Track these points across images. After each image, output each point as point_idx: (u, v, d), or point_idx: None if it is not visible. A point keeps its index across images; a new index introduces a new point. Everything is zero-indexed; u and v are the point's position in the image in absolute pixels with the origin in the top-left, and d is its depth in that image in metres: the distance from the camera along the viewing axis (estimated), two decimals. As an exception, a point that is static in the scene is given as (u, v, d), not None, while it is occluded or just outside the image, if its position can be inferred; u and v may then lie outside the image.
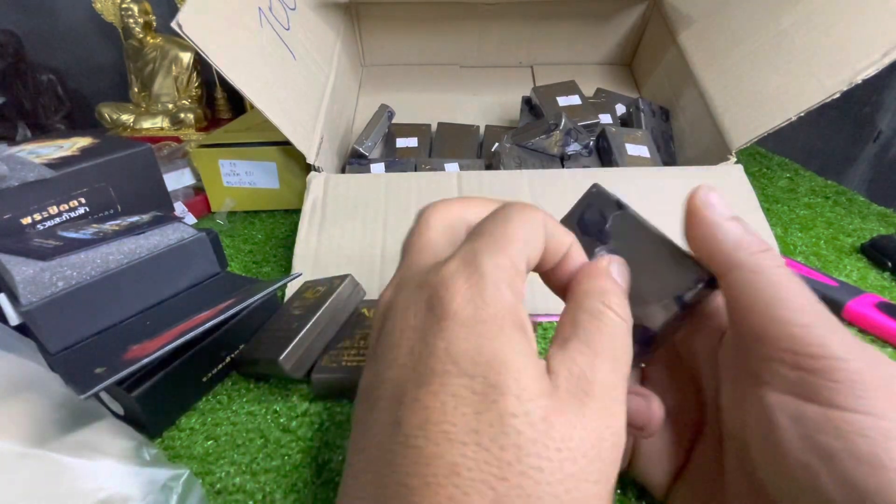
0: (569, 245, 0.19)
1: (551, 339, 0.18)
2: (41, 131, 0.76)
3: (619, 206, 0.22)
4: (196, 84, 0.75)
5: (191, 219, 0.53)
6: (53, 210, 0.38)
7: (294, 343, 0.30)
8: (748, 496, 0.19)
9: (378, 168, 0.50)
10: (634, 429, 0.20)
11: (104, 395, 0.30)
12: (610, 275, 0.19)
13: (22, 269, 0.30)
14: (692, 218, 0.20)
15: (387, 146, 0.57)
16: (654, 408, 0.20)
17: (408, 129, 0.58)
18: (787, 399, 0.17)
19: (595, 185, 0.23)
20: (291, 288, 0.39)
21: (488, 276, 0.15)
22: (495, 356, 0.14)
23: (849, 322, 0.36)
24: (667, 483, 0.23)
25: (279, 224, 0.53)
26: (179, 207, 0.52)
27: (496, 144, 0.51)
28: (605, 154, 0.50)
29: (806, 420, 0.16)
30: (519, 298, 0.16)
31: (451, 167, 0.50)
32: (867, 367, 0.16)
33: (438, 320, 0.15)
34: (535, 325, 0.37)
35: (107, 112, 0.72)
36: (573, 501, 0.13)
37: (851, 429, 0.15)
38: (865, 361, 0.16)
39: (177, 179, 0.55)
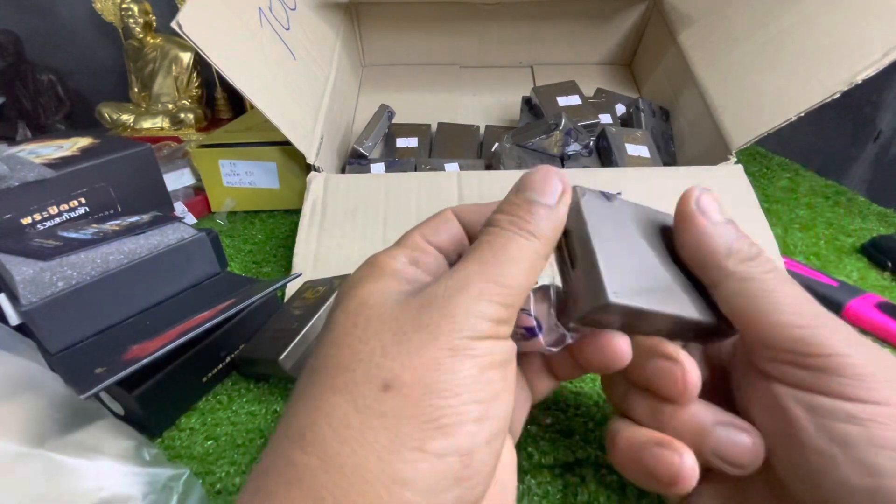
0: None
1: None
2: (41, 131, 0.76)
3: (607, 196, 0.21)
4: (196, 84, 0.75)
5: (191, 219, 0.53)
6: (53, 210, 0.38)
7: (294, 343, 0.30)
8: (768, 498, 0.19)
9: (378, 168, 0.50)
10: (735, 466, 0.19)
11: (104, 395, 0.30)
12: (525, 201, 0.18)
13: (22, 269, 0.30)
14: (683, 223, 0.20)
15: (387, 146, 0.57)
16: (757, 444, 0.19)
17: (408, 129, 0.58)
18: (800, 392, 0.17)
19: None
20: (291, 288, 0.39)
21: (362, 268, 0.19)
22: (343, 290, 0.19)
23: (849, 322, 0.36)
24: None
25: (279, 224, 0.52)
26: (179, 207, 0.52)
27: (496, 144, 0.51)
28: (605, 154, 0.50)
29: (821, 409, 0.17)
30: (387, 257, 0.19)
31: (451, 167, 0.50)
32: (871, 360, 0.16)
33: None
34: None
35: (107, 112, 0.72)
36: (366, 350, 0.16)
37: (867, 416, 0.16)
38: (869, 356, 0.17)
39: (177, 179, 0.55)
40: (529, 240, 0.17)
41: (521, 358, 0.21)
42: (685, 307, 0.19)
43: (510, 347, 0.17)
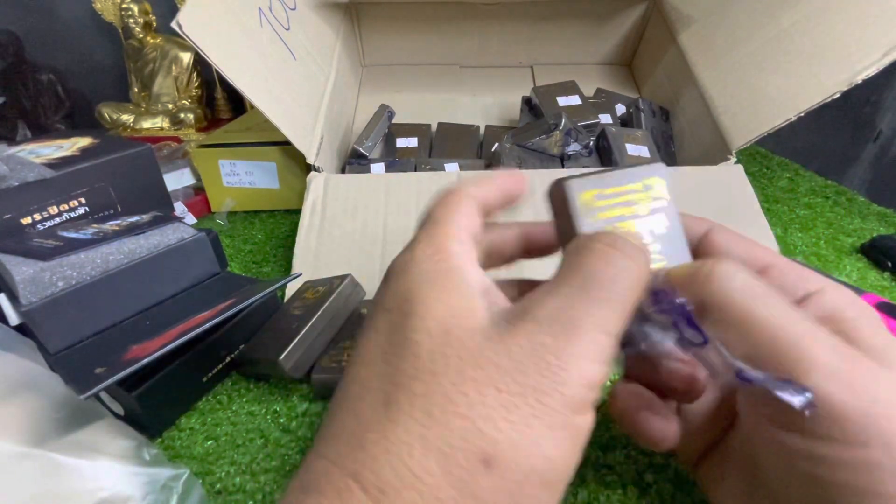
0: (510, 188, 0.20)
1: None
2: (41, 131, 0.76)
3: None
4: (196, 84, 0.75)
5: (191, 219, 0.53)
6: (53, 210, 0.38)
7: (294, 343, 0.30)
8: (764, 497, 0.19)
9: (378, 168, 0.50)
10: (679, 390, 0.20)
11: (104, 395, 0.30)
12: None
13: (22, 269, 0.30)
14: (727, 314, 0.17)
15: (387, 146, 0.57)
16: (698, 373, 0.20)
17: (408, 129, 0.58)
18: (767, 428, 0.17)
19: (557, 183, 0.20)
20: (291, 288, 0.39)
21: (417, 246, 0.17)
22: (409, 291, 0.16)
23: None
24: (696, 454, 0.22)
25: (279, 224, 0.52)
26: (179, 207, 0.52)
27: (496, 144, 0.51)
28: (605, 154, 0.50)
29: (788, 450, 0.16)
30: (459, 254, 0.17)
31: (451, 167, 0.50)
32: (846, 388, 0.15)
33: (386, 281, 0.18)
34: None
35: (107, 112, 0.72)
36: (464, 402, 0.14)
37: (836, 460, 0.15)
38: (844, 382, 0.15)
39: (177, 179, 0.55)
40: (636, 260, 0.16)
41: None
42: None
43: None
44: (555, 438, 0.13)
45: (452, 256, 0.16)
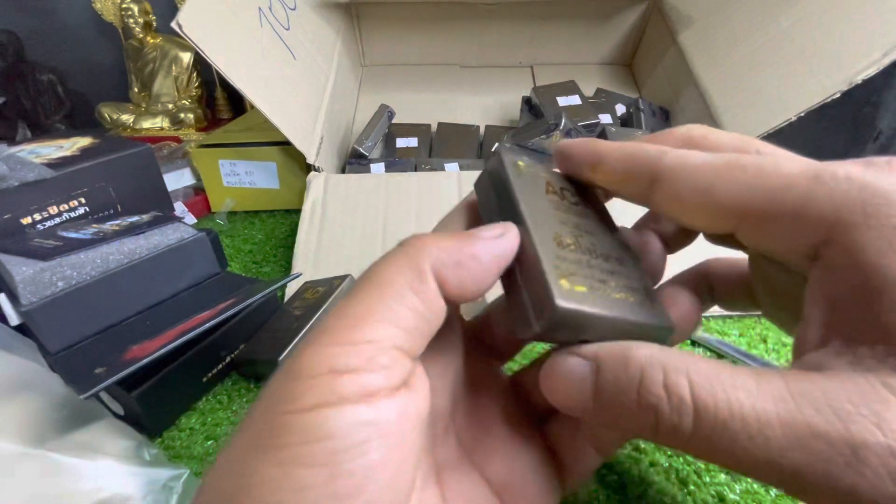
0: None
1: None
2: (41, 131, 0.76)
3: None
4: (196, 84, 0.75)
5: (191, 219, 0.53)
6: (53, 210, 0.38)
7: (294, 343, 0.30)
8: None
9: (378, 168, 0.50)
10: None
11: (104, 395, 0.30)
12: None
13: (22, 269, 0.30)
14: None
15: (387, 146, 0.57)
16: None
17: (408, 129, 0.58)
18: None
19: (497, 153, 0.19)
20: (291, 288, 0.39)
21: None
22: None
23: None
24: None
25: (279, 224, 0.52)
26: (179, 207, 0.52)
27: (496, 144, 0.51)
28: (605, 154, 0.50)
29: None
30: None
31: (451, 167, 0.50)
32: None
33: None
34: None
35: (107, 112, 0.72)
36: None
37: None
38: None
39: (177, 179, 0.55)
40: (408, 252, 0.15)
41: (559, 437, 0.19)
42: (642, 312, 0.16)
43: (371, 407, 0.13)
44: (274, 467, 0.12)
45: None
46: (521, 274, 0.16)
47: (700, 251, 0.21)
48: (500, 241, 0.16)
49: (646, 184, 0.16)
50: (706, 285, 0.20)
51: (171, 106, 0.74)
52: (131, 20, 0.71)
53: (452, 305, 0.15)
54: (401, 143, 0.57)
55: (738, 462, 0.12)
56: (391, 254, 0.15)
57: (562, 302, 0.14)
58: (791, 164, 0.14)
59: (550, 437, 0.20)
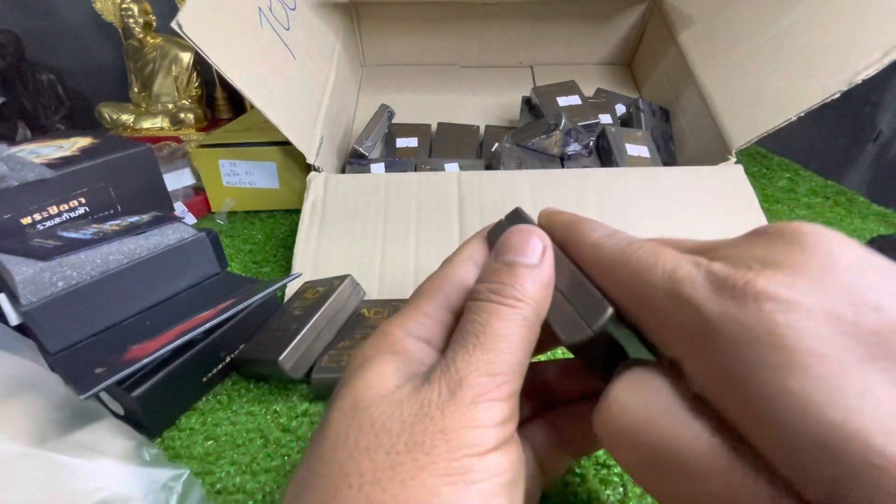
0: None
1: None
2: (41, 131, 0.76)
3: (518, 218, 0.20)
4: (196, 84, 0.75)
5: (191, 219, 0.53)
6: (53, 210, 0.38)
7: (294, 343, 0.30)
8: None
9: (378, 168, 0.50)
10: None
11: (104, 395, 0.30)
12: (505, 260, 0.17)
13: (22, 269, 0.30)
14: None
15: (387, 146, 0.57)
16: None
17: (408, 129, 0.58)
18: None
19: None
20: (291, 288, 0.39)
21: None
22: (344, 376, 0.17)
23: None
24: None
25: (279, 224, 0.53)
26: (179, 207, 0.52)
27: (496, 144, 0.50)
28: (605, 154, 0.50)
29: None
30: (399, 338, 0.17)
31: (451, 167, 0.50)
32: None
33: None
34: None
35: (107, 112, 0.72)
36: (356, 472, 0.14)
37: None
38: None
39: (177, 179, 0.55)
40: (516, 307, 0.16)
41: (529, 436, 0.20)
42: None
43: (517, 459, 0.15)
44: (453, 484, 0.13)
45: (390, 333, 0.18)
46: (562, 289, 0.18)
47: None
48: (547, 256, 0.18)
49: None
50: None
51: (171, 106, 0.74)
52: (131, 20, 0.71)
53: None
54: (401, 143, 0.57)
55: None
56: (500, 306, 0.17)
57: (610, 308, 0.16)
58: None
59: (529, 437, 0.21)
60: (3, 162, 0.37)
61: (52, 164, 0.38)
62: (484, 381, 0.15)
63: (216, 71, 0.40)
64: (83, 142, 0.45)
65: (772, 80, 0.45)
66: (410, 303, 0.18)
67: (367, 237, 0.41)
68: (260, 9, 0.46)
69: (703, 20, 0.56)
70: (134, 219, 0.39)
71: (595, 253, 0.17)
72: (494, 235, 0.19)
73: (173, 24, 0.36)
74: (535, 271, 0.17)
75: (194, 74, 0.74)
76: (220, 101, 0.77)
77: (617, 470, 0.26)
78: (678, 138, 0.55)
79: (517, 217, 0.20)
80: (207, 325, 0.29)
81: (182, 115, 0.72)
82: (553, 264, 0.17)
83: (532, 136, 0.50)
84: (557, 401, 0.22)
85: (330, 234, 0.42)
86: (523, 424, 0.20)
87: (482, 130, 0.58)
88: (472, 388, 0.15)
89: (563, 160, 0.50)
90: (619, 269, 0.16)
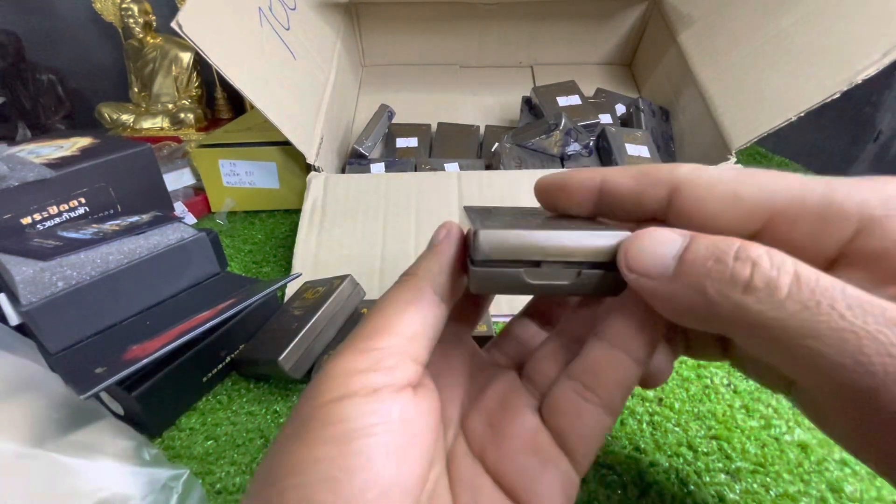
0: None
1: None
2: (41, 131, 0.76)
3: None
4: (196, 84, 0.75)
5: (191, 219, 0.53)
6: (53, 210, 0.38)
7: (294, 343, 0.30)
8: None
9: (378, 168, 0.50)
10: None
11: (104, 395, 0.30)
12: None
13: (22, 269, 0.30)
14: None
15: (387, 146, 0.57)
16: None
17: (408, 129, 0.58)
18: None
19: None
20: (291, 288, 0.39)
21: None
22: None
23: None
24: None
25: (279, 224, 0.52)
26: (179, 207, 0.52)
27: (496, 144, 0.51)
28: (605, 154, 0.50)
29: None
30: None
31: (451, 167, 0.50)
32: None
33: None
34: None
35: (107, 112, 0.72)
36: None
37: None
38: None
39: (177, 179, 0.55)
40: (408, 279, 0.18)
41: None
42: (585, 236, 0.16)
43: (409, 410, 0.15)
44: (326, 428, 0.15)
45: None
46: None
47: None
48: (450, 236, 0.19)
49: (663, 194, 0.17)
50: (682, 337, 0.21)
51: (171, 106, 0.74)
52: (131, 20, 0.71)
53: (449, 307, 0.18)
54: (401, 143, 0.57)
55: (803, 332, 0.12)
56: (395, 284, 0.18)
57: (483, 230, 0.16)
58: (797, 175, 0.16)
59: (552, 419, 0.19)
60: (3, 162, 0.37)
61: (52, 164, 0.38)
62: (357, 334, 0.16)
63: (216, 71, 0.40)
64: (83, 142, 0.45)
65: (772, 80, 0.45)
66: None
67: (367, 237, 0.41)
68: (260, 9, 0.46)
69: (703, 20, 0.56)
70: (134, 219, 0.39)
71: (743, 309, 0.14)
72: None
73: (173, 24, 0.36)
74: (433, 249, 0.19)
75: (194, 74, 0.74)
76: (220, 101, 0.77)
77: (617, 470, 0.26)
78: (678, 138, 0.55)
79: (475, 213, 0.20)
80: (207, 325, 0.29)
81: (182, 115, 0.72)
82: (454, 244, 0.19)
83: (532, 136, 0.50)
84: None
85: (330, 234, 0.42)
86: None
87: (482, 130, 0.58)
88: (346, 342, 0.16)
89: (563, 160, 0.50)
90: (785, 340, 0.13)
